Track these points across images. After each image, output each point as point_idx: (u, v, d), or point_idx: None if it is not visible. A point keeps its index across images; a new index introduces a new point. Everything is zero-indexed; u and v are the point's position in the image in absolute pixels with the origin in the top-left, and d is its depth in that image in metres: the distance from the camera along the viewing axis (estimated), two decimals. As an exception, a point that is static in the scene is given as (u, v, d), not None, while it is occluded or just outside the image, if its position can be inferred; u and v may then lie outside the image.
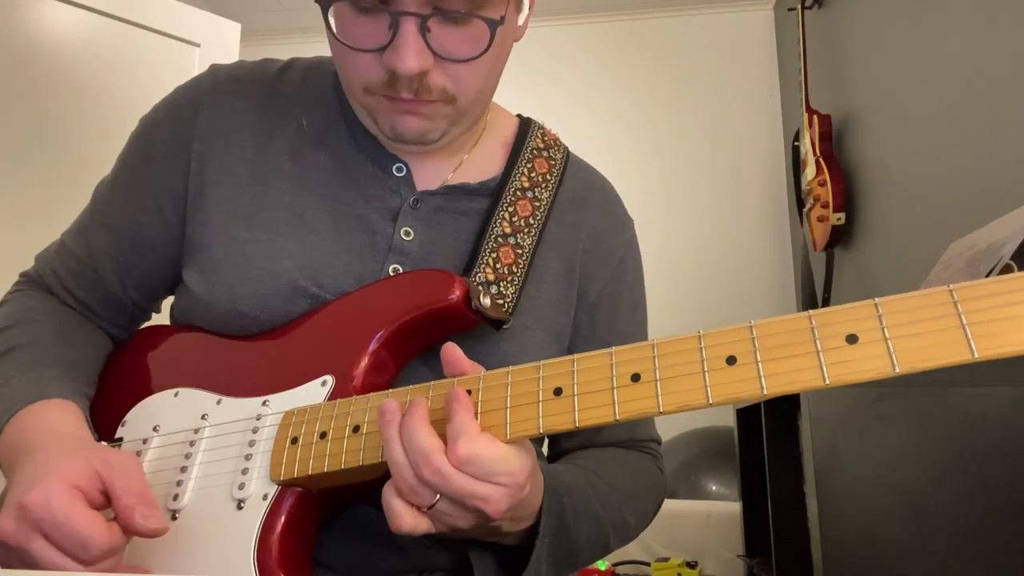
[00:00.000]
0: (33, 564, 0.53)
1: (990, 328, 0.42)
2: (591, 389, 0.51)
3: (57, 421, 0.62)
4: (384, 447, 0.53)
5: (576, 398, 0.51)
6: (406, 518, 0.52)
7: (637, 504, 0.74)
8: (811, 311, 0.47)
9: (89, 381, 0.72)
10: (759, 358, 0.47)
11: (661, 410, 0.49)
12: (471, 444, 0.50)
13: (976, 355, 0.42)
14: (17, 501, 0.53)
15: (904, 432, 0.98)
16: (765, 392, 0.46)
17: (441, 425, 0.53)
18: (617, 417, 0.50)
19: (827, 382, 0.45)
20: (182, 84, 0.77)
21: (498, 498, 0.52)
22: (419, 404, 0.53)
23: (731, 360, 0.48)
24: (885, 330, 0.44)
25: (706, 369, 0.48)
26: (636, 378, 0.50)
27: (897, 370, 0.44)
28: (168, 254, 0.75)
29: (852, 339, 0.45)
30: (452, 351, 0.58)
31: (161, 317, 0.82)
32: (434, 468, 0.50)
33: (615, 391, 0.50)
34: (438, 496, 0.51)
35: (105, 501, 0.55)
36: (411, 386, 0.58)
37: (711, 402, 0.47)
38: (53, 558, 0.52)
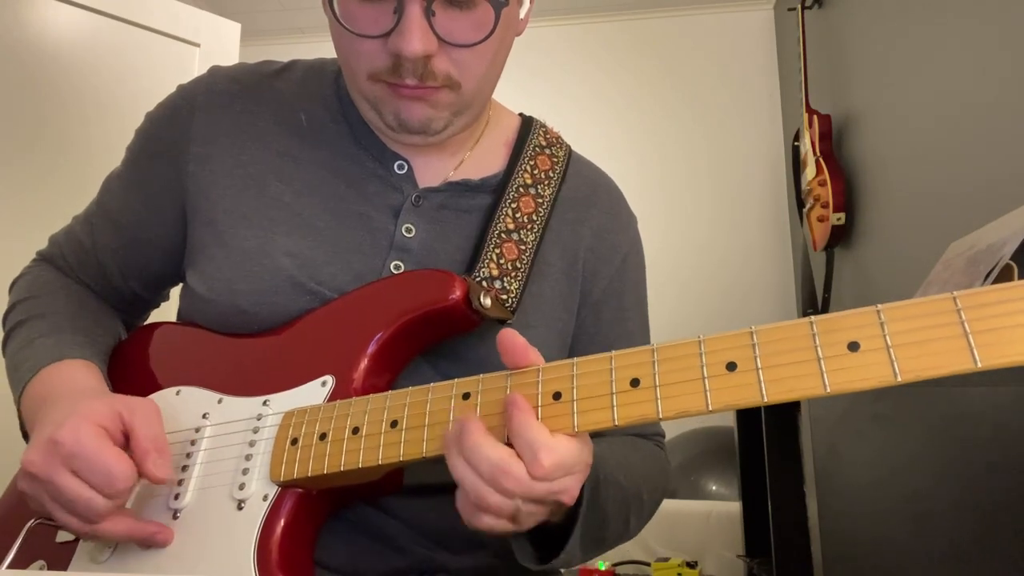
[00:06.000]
0: (57, 496, 0.56)
1: (994, 337, 0.41)
2: (590, 394, 0.51)
3: (80, 378, 0.66)
4: (454, 474, 0.52)
5: (575, 403, 0.51)
6: (489, 522, 0.52)
7: (649, 484, 0.73)
8: (813, 317, 0.46)
9: (105, 350, 0.75)
10: (759, 365, 0.46)
11: (660, 416, 0.48)
12: (552, 453, 0.50)
13: (979, 364, 0.41)
14: (48, 436, 0.56)
15: (904, 431, 0.98)
16: (765, 399, 0.46)
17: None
18: (616, 422, 0.50)
19: (828, 390, 0.44)
20: (185, 83, 0.78)
21: (574, 486, 0.53)
22: (472, 420, 0.52)
23: (731, 366, 0.47)
24: (887, 338, 0.44)
25: (706, 375, 0.48)
26: (635, 383, 0.50)
27: (899, 379, 0.43)
28: (166, 249, 0.77)
29: (854, 346, 0.44)
30: (511, 337, 0.54)
31: (171, 305, 0.83)
32: (514, 478, 0.50)
33: (614, 396, 0.50)
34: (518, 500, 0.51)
35: (126, 442, 0.60)
36: (409, 388, 0.58)
37: (711, 408, 0.47)
38: (79, 489, 0.55)
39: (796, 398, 0.45)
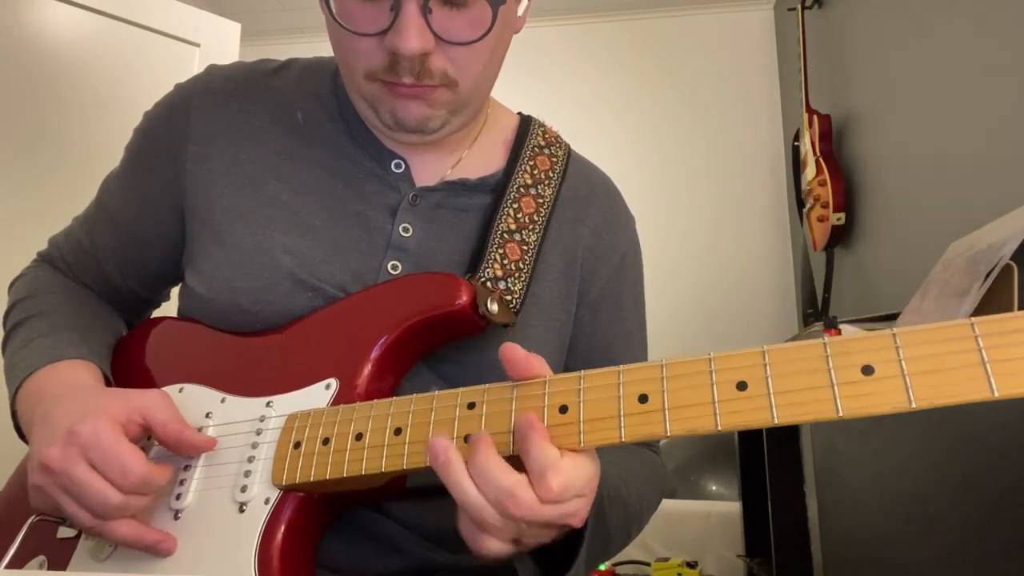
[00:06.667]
0: (70, 487, 0.56)
1: (1012, 366, 0.40)
2: (597, 408, 0.50)
3: (80, 377, 0.67)
4: (454, 491, 0.50)
5: (582, 416, 0.50)
6: (492, 545, 0.51)
7: (648, 493, 0.73)
8: (826, 339, 0.45)
9: (105, 348, 0.74)
10: (771, 386, 0.45)
11: (668, 434, 0.47)
12: (560, 475, 0.49)
13: (996, 393, 0.40)
14: (67, 428, 0.57)
15: (903, 432, 0.98)
16: (776, 421, 0.44)
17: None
18: (623, 439, 0.48)
19: (840, 414, 0.43)
20: (182, 82, 0.78)
21: (583, 508, 0.52)
22: (485, 440, 0.50)
23: (742, 386, 0.46)
24: (903, 363, 0.42)
25: (716, 395, 0.46)
26: (643, 399, 0.49)
27: (914, 405, 0.42)
28: (164, 248, 0.77)
29: (868, 370, 0.43)
30: (512, 351, 0.53)
31: (172, 305, 0.83)
32: (524, 506, 0.48)
33: (622, 413, 0.49)
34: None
35: (144, 434, 0.61)
36: (413, 395, 0.57)
37: (720, 428, 0.46)
38: (93, 481, 0.56)
39: (808, 420, 0.44)
